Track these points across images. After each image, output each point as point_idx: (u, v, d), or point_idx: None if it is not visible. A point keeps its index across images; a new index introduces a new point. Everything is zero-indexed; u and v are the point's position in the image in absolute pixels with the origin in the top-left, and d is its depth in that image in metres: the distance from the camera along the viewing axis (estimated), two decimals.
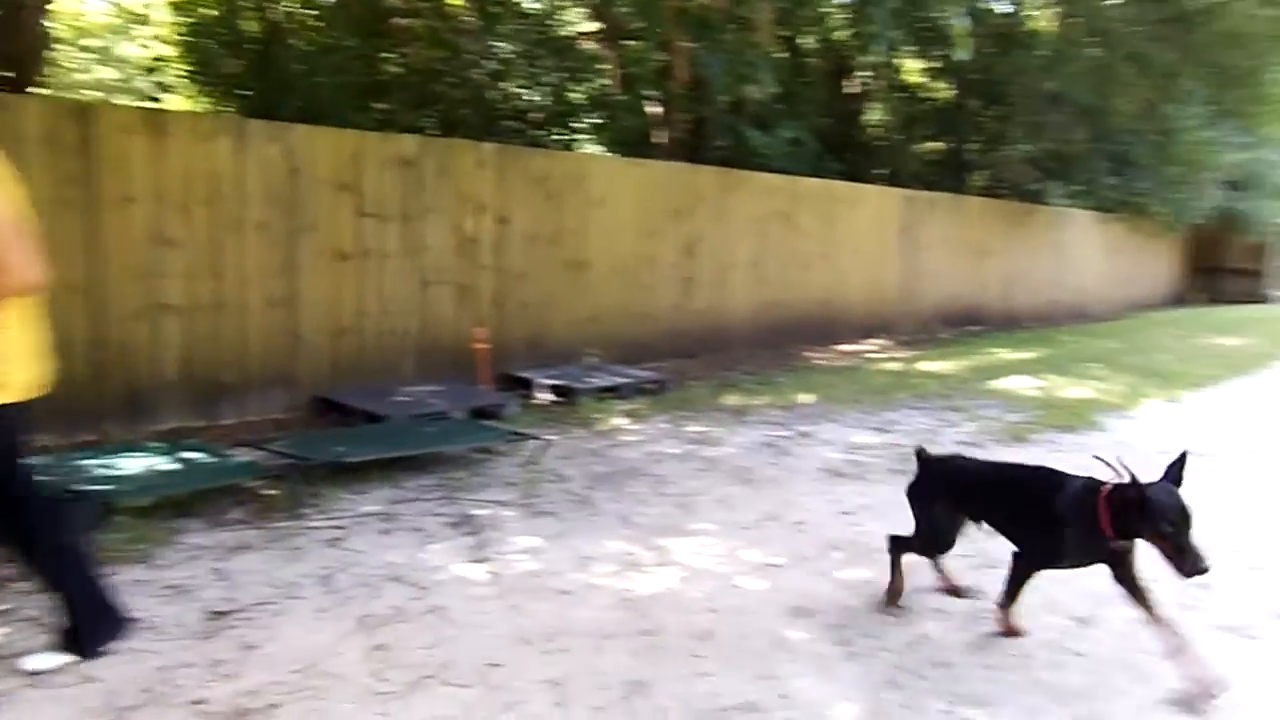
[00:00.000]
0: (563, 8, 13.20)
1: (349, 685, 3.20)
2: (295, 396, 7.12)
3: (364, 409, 6.68)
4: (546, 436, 6.27)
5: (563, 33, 12.96)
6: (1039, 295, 16.75)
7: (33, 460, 4.99)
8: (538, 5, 12.91)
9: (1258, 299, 23.57)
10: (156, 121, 6.56)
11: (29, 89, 8.39)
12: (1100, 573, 3.48)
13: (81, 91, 14.17)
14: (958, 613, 3.98)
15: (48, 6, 9.08)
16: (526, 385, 7.96)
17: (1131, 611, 3.48)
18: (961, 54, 14.86)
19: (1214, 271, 23.84)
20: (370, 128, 8.05)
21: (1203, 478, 6.34)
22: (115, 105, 7.75)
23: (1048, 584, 4.27)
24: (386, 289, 7.57)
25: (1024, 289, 16.28)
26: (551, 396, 7.76)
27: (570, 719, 3.06)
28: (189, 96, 11.63)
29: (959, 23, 14.20)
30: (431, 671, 3.32)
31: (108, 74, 15.66)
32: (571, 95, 13.06)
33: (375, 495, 5.16)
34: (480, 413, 6.89)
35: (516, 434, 6.10)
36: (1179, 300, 22.62)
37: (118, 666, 3.24)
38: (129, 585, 3.87)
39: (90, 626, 3.31)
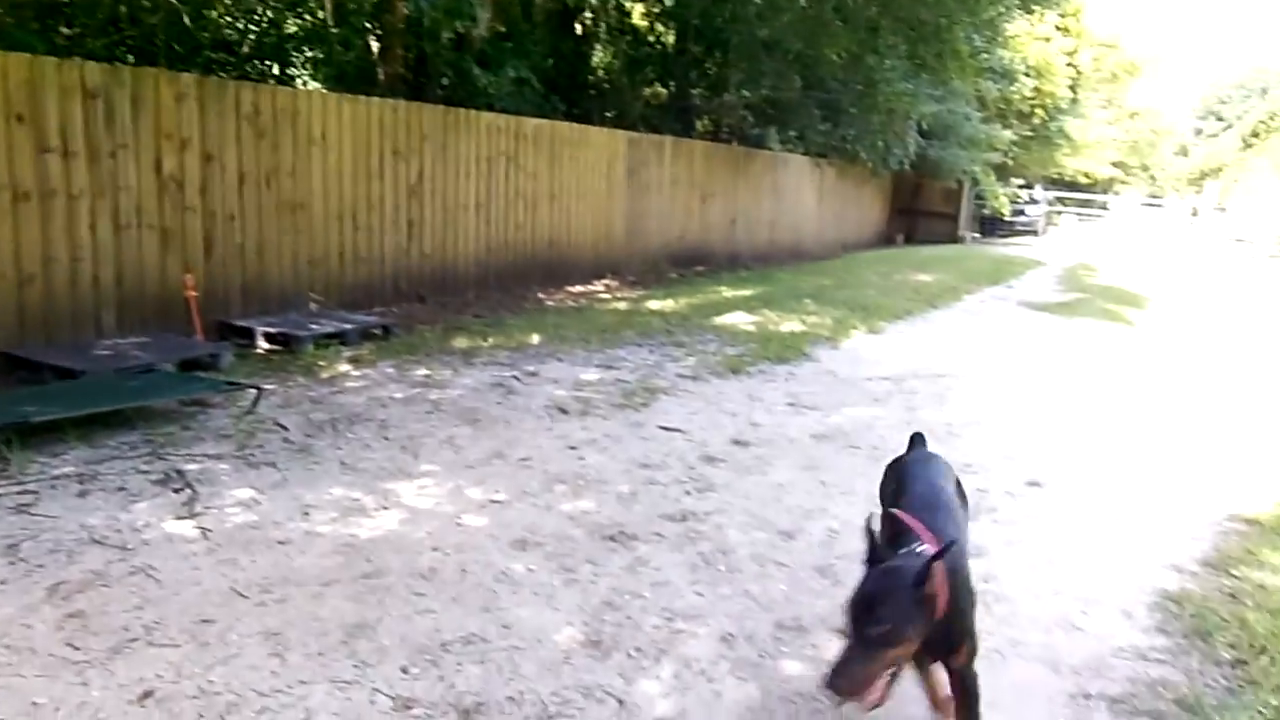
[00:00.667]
0: None
1: (39, 657, 3.00)
2: None
3: (55, 364, 6.13)
4: (264, 386, 6.03)
5: None
6: (759, 236, 17.71)
7: None
8: None
9: (952, 240, 26.12)
10: None
11: None
12: (806, 489, 3.79)
13: None
14: (674, 537, 4.24)
15: None
16: (245, 334, 7.58)
17: (829, 522, 3.83)
18: None
19: (914, 214, 26.12)
20: (48, 52, 7.24)
21: (899, 399, 7.04)
22: None
23: (758, 505, 4.64)
24: (77, 233, 6.92)
25: (746, 230, 17.15)
26: (270, 345, 7.44)
27: (288, 668, 3.03)
28: None
29: None
30: (136, 634, 3.17)
31: None
32: (286, 27, 12.32)
33: (71, 456, 4.78)
34: (192, 364, 6.51)
35: (231, 384, 5.82)
36: (885, 240, 24.62)
37: None
38: None
39: None
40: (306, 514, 4.24)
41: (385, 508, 4.37)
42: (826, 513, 4.58)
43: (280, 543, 3.94)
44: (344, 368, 6.92)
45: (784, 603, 3.70)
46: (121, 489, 4.42)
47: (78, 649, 3.05)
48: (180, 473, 4.63)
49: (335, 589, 3.56)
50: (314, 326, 7.76)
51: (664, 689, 3.07)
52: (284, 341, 7.42)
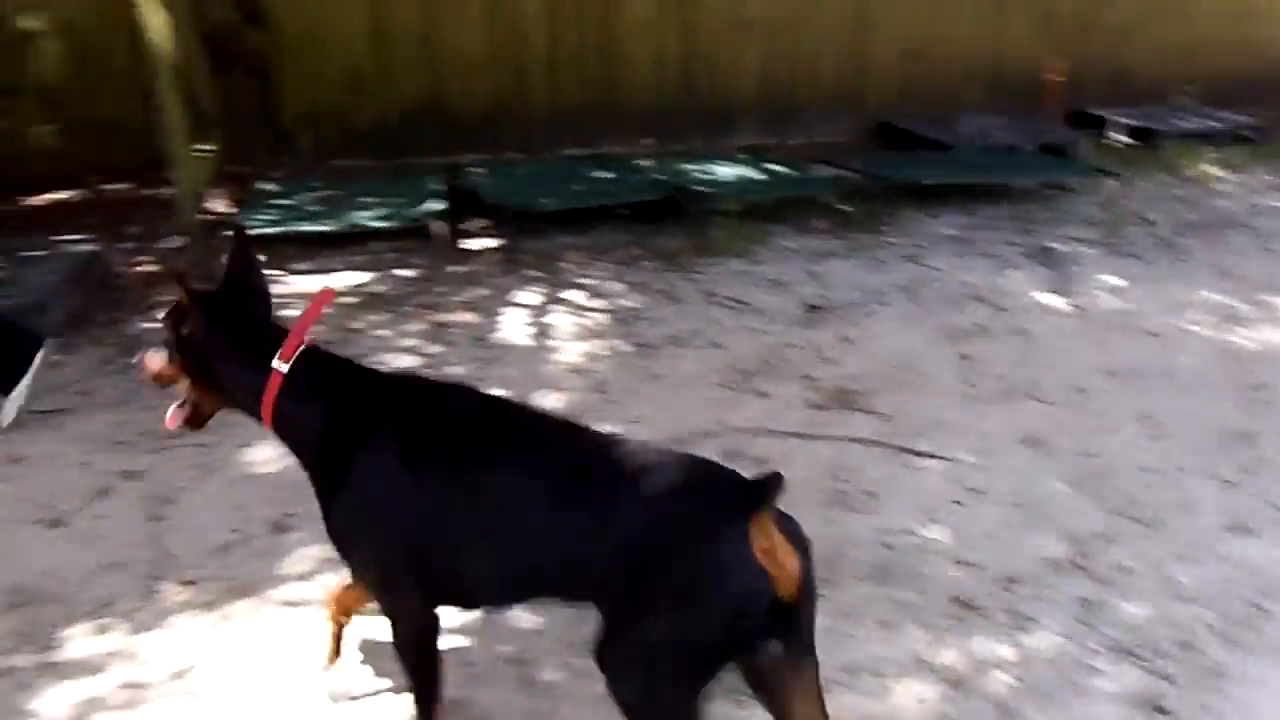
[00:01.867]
0: None
1: (940, 384, 3.42)
2: (861, 120, 7.23)
3: (930, 137, 6.63)
4: (1125, 178, 5.82)
5: None
6: None
7: (641, 163, 5.68)
8: None
9: None
10: None
11: None
12: None
13: None
14: None
15: None
16: (1099, 124, 7.34)
17: None
18: None
19: None
20: None
21: None
22: None
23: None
24: (963, 12, 7.24)
25: None
26: (1128, 138, 7.11)
27: (1165, 452, 3.02)
28: None
29: None
30: (1016, 384, 3.42)
31: None
32: None
33: (948, 220, 5.22)
34: (1048, 149, 6.53)
35: (1099, 170, 5.73)
36: None
37: (739, 340, 3.74)
38: (735, 275, 4.40)
39: None
40: (1178, 311, 4.08)
41: (1266, 320, 4.01)
42: None
43: (1151, 334, 3.87)
44: (1210, 169, 6.34)
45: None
46: (993, 255, 4.71)
47: (972, 386, 3.41)
48: (1048, 249, 4.77)
49: (1212, 391, 3.41)
50: (1177, 122, 7.20)
51: None
52: (1144, 135, 7.03)
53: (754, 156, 6.07)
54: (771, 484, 1.36)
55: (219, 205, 5.22)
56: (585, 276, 4.41)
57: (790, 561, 1.40)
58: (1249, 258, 4.72)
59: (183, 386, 1.83)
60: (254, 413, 1.74)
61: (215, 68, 5.63)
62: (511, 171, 5.79)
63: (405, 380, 1.88)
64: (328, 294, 1.87)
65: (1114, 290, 4.30)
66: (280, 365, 1.69)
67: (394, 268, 4.54)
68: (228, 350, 1.76)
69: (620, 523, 1.47)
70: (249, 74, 6.03)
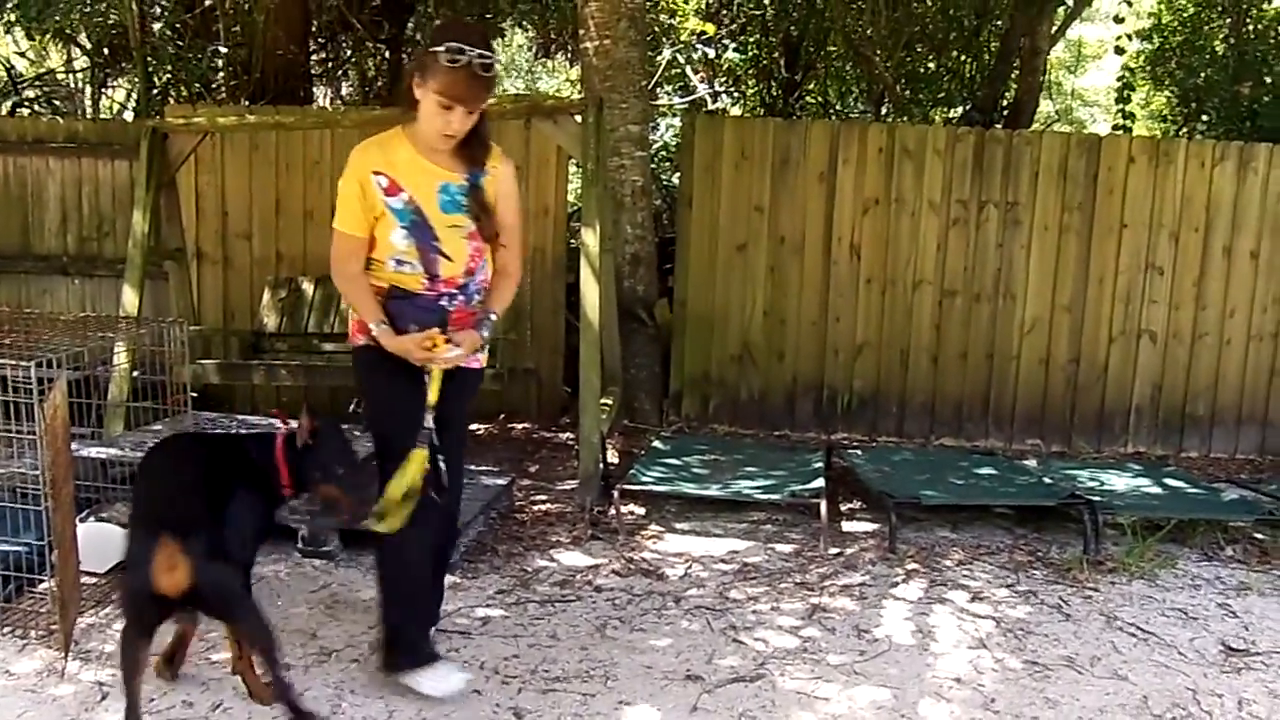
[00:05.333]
0: None
1: None
2: (1270, 439, 6.68)
3: None
4: None
5: None
6: None
7: (1025, 462, 5.56)
8: None
9: None
10: (1159, 150, 6.71)
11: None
12: None
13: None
14: None
15: (1046, 54, 9.92)
16: None
17: None
18: None
19: None
20: None
21: None
22: (1118, 136, 8.03)
23: None
24: None
25: None
26: None
27: None
28: (1157, 123, 11.61)
29: None
30: None
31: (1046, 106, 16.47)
32: None
33: None
34: None
35: None
36: None
37: (1147, 675, 3.42)
38: (1137, 598, 4.09)
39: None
40: None
41: None
42: None
43: None
44: None
45: None
46: None
47: None
48: None
49: None
50: None
51: None
52: None
53: (1149, 467, 5.74)
54: None
55: (611, 455, 5.67)
56: (969, 578, 4.28)
57: None
58: None
59: None
60: None
61: (625, 332, 6.29)
62: (889, 456, 5.85)
63: None
64: None
65: None
66: None
67: (772, 541, 4.67)
68: None
69: None
70: (652, 340, 6.68)
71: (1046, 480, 5.28)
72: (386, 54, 10.52)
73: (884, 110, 11.02)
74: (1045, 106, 16.55)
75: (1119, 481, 5.34)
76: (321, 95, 11.53)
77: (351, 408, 4.88)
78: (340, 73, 11.22)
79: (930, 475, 5.29)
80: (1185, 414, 6.72)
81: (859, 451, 5.87)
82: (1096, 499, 4.83)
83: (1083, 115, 17.38)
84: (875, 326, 6.70)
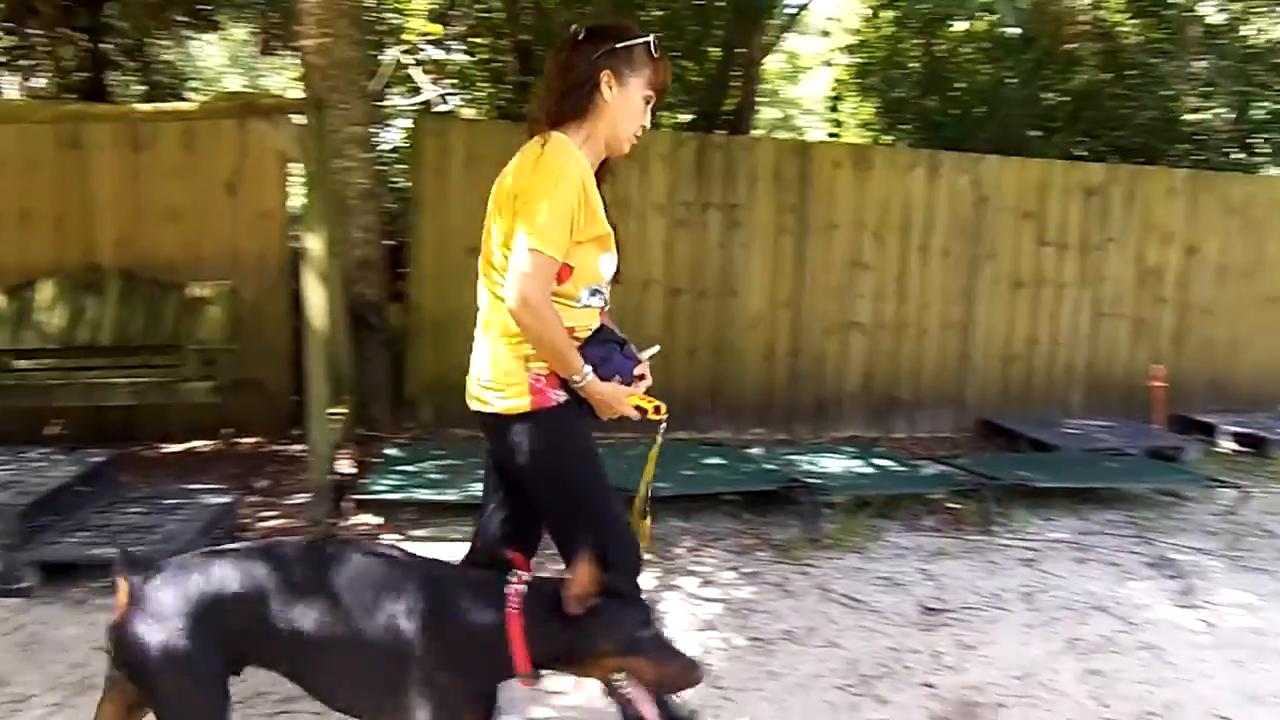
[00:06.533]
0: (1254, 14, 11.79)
1: (1071, 702, 3.29)
2: (962, 417, 7.39)
3: (1032, 437, 6.70)
4: (1244, 487, 5.75)
5: (1250, 43, 11.61)
6: None
7: (751, 451, 5.85)
8: (1222, 15, 11.70)
9: None
10: (862, 156, 7.27)
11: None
12: None
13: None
14: None
15: (761, 65, 10.52)
16: (1205, 430, 7.33)
17: None
18: None
19: None
20: (1052, 156, 8.08)
21: None
22: (826, 142, 8.62)
23: None
24: (1060, 319, 7.52)
25: None
26: (1236, 445, 7.08)
27: None
28: (864, 131, 12.58)
29: None
30: (1154, 709, 3.27)
31: (770, 114, 17.58)
32: (1255, 112, 11.66)
33: (1062, 524, 5.18)
34: (1155, 454, 6.52)
35: (1214, 480, 5.68)
36: None
37: (856, 641, 3.70)
38: (849, 570, 4.40)
39: None
40: None
41: None
42: None
43: None
44: None
45: None
46: (1113, 564, 4.63)
47: (1106, 706, 3.28)
48: (1169, 560, 4.68)
49: None
50: None
51: None
52: (1253, 443, 6.99)
53: (861, 449, 6.19)
54: None
55: (344, 465, 5.47)
56: (698, 564, 4.45)
57: None
58: None
59: None
60: None
61: (355, 338, 6.07)
62: (624, 452, 5.97)
63: None
64: None
65: (1243, 606, 4.16)
66: None
67: None
68: None
69: None
70: (384, 345, 6.49)
71: (768, 467, 5.57)
72: (89, 44, 9.65)
73: None
74: (770, 113, 17.59)
75: (834, 464, 5.72)
76: (10, 85, 10.46)
77: (57, 431, 4.40)
78: (32, 63, 10.19)
79: (660, 468, 5.43)
80: (892, 398, 7.32)
81: None
82: (813, 481, 5.16)
83: (801, 123, 18.63)
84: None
